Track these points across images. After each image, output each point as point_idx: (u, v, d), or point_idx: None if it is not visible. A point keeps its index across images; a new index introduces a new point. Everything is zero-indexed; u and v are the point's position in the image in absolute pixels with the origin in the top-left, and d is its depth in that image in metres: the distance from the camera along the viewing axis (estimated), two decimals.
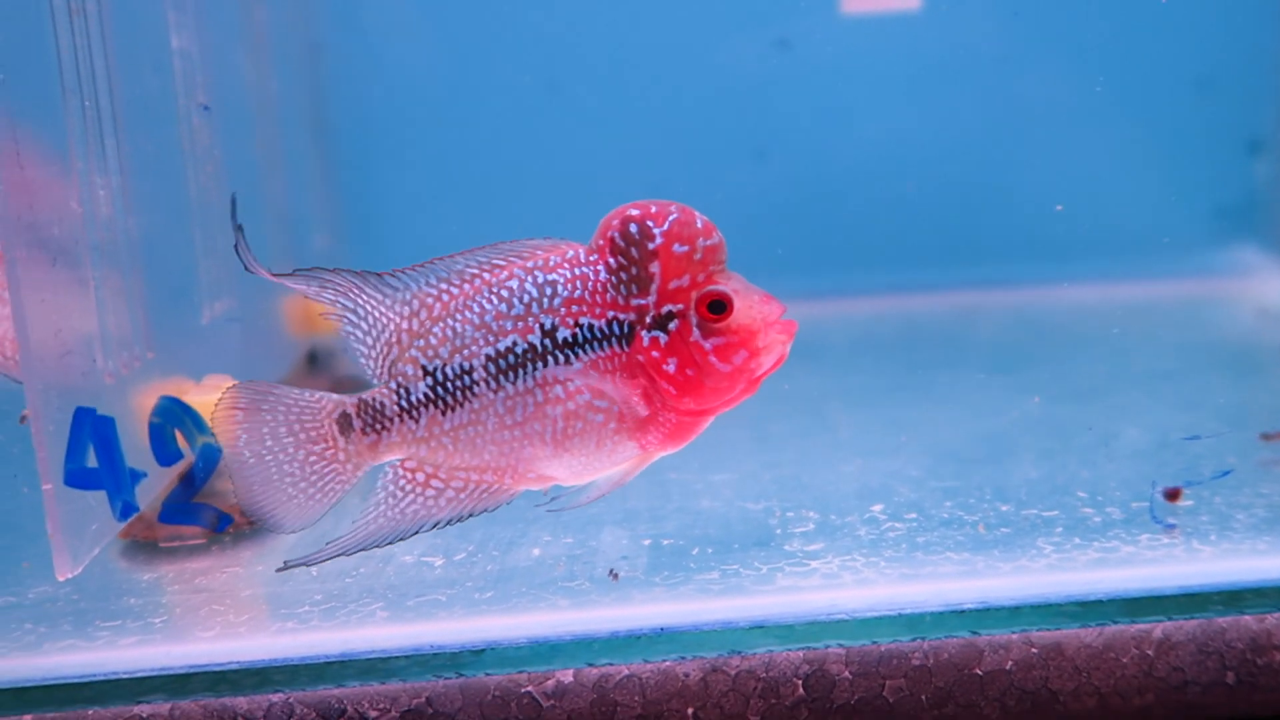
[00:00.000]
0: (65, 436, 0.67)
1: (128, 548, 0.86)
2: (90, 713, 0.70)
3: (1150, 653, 0.72)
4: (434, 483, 0.75)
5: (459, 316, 0.73)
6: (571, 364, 0.73)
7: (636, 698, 0.72)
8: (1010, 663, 0.72)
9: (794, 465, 0.98)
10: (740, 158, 1.58)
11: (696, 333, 0.73)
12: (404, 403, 0.74)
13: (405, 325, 0.74)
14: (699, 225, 0.74)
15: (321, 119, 1.45)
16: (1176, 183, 1.54)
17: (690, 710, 0.72)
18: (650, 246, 0.73)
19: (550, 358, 0.73)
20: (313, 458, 0.74)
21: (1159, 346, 1.27)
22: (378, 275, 0.74)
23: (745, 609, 0.74)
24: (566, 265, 0.74)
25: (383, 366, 0.74)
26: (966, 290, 1.55)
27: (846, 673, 0.72)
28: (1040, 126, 1.55)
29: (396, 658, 0.72)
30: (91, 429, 0.67)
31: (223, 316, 0.99)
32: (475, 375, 0.73)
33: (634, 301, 0.73)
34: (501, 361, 0.73)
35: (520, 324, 0.73)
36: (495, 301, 0.73)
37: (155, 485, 0.79)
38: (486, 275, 0.75)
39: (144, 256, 0.83)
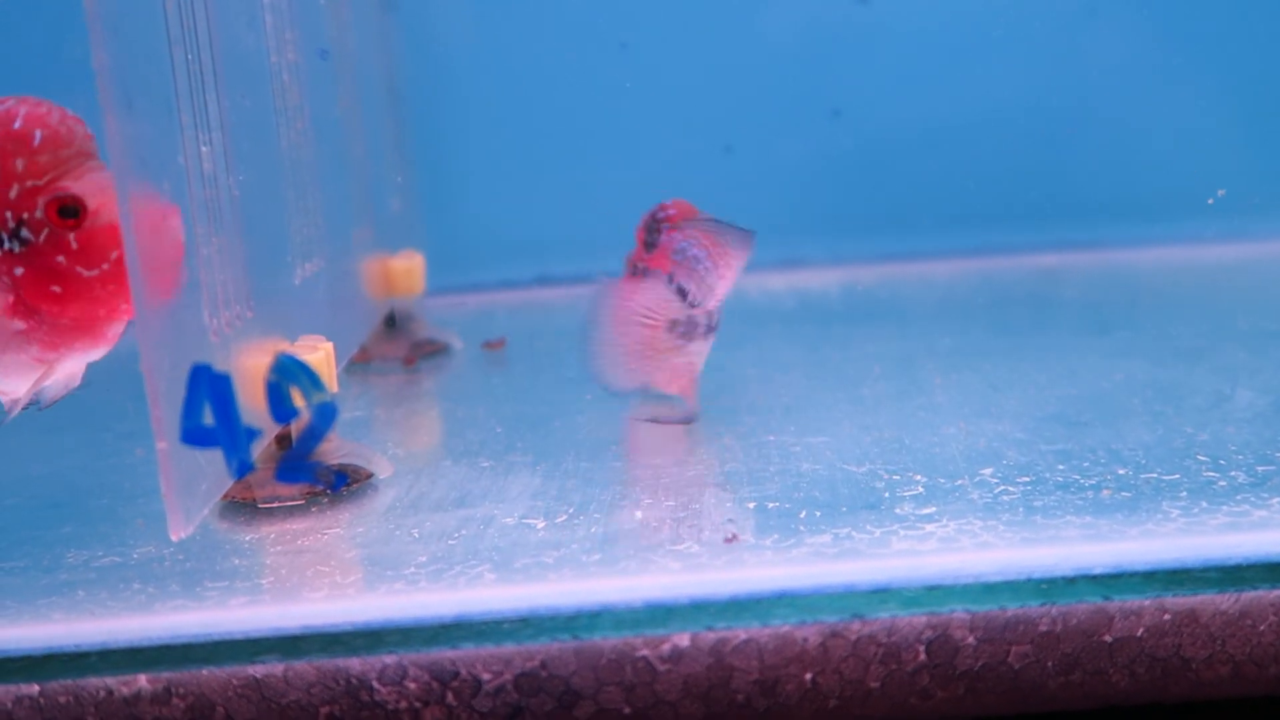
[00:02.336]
0: (179, 394, 0.66)
1: (225, 509, 0.86)
2: (205, 673, 0.69)
3: None
4: None
5: None
6: None
7: (754, 662, 0.70)
8: (1142, 629, 0.70)
9: (893, 428, 0.96)
10: (816, 116, 1.54)
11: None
12: None
13: None
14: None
15: (394, 80, 1.43)
16: (1267, 140, 1.49)
17: (809, 676, 0.70)
18: None
19: None
20: None
21: (1261, 306, 1.23)
22: None
23: (865, 572, 0.72)
24: None
25: None
26: (1049, 252, 1.51)
27: (971, 638, 0.70)
28: (1127, 81, 1.50)
29: (509, 620, 0.71)
30: (208, 386, 0.66)
31: (313, 276, 0.98)
32: None
33: None
34: None
35: None
36: None
37: (264, 443, 0.78)
38: None
39: (243, 215, 0.82)
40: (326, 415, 0.68)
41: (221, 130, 0.79)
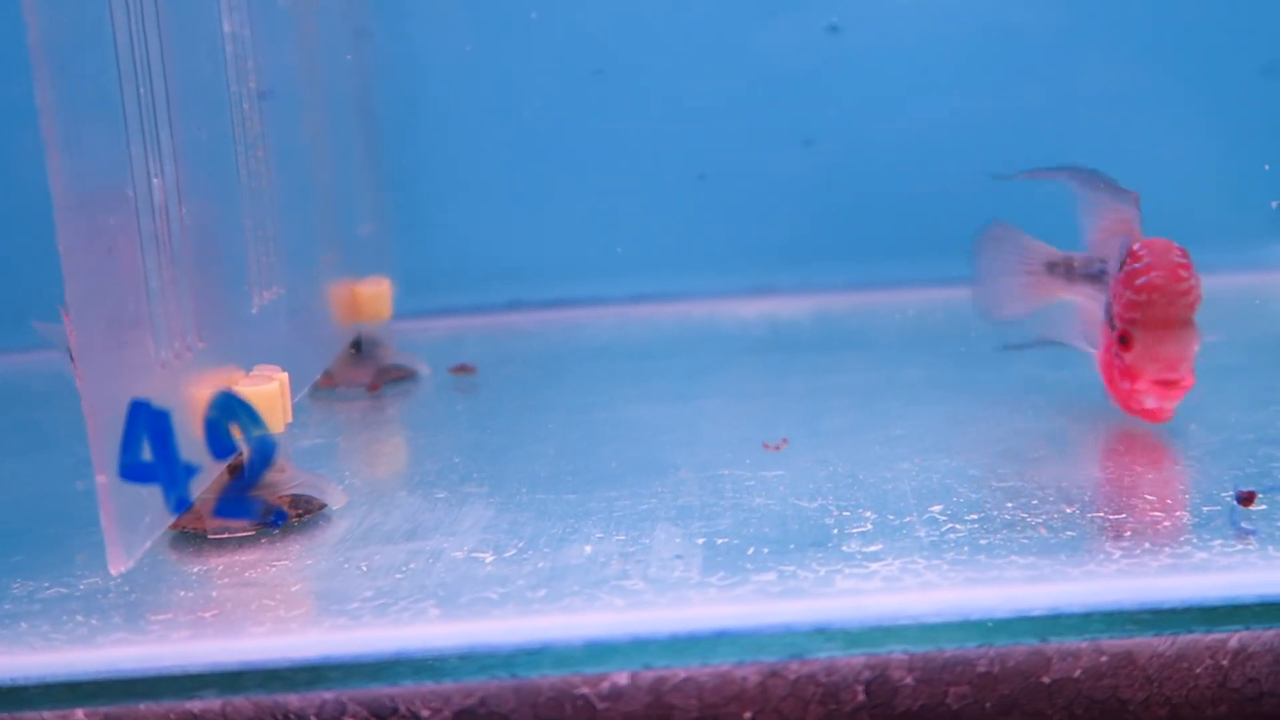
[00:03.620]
0: (120, 429, 0.67)
1: (176, 539, 0.86)
2: (143, 707, 0.69)
3: (1225, 663, 0.70)
4: None
5: None
6: None
7: (693, 701, 0.70)
8: (1079, 671, 0.70)
9: (848, 462, 0.96)
10: (788, 145, 1.55)
11: None
12: None
13: None
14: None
15: (365, 106, 1.44)
16: (1240, 172, 1.50)
17: (748, 714, 0.70)
18: None
19: None
20: None
21: (1223, 341, 1.23)
22: None
23: (805, 612, 0.72)
24: None
25: None
26: None
27: (909, 679, 0.70)
28: (1098, 114, 1.51)
29: (450, 657, 0.71)
30: (147, 422, 0.66)
31: (272, 305, 0.98)
32: None
33: None
34: None
35: None
36: None
37: (207, 478, 0.79)
38: None
39: (196, 245, 0.82)
40: (265, 451, 0.69)
41: (175, 161, 0.79)
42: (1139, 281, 0.90)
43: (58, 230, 0.64)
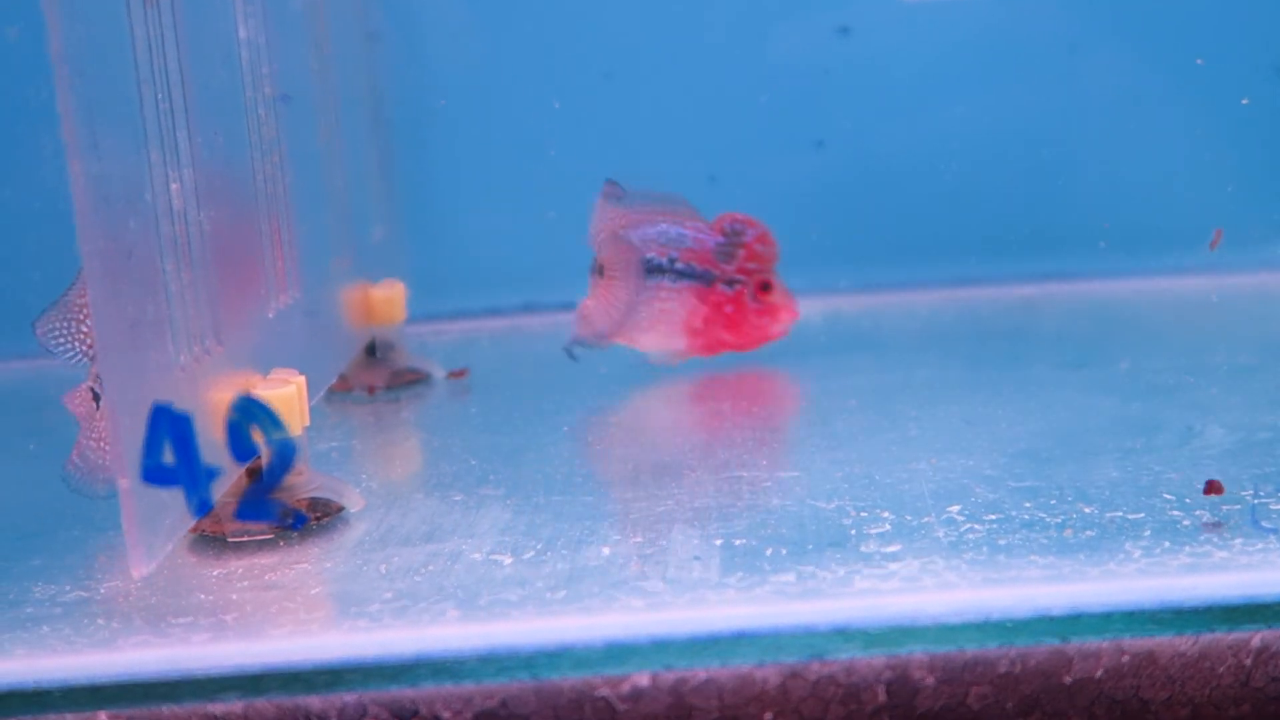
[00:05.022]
0: (142, 432, 0.67)
1: (196, 542, 0.86)
2: (165, 710, 0.69)
3: (1247, 662, 0.70)
4: None
5: None
6: None
7: (714, 702, 0.70)
8: (1100, 671, 0.70)
9: (864, 463, 0.96)
10: (799, 147, 1.55)
11: None
12: None
13: None
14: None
15: (378, 110, 1.44)
16: (1253, 172, 1.50)
17: (768, 715, 0.70)
18: None
19: None
20: None
21: (1237, 341, 1.23)
22: None
23: (825, 612, 0.72)
24: None
25: None
26: (1030, 283, 1.52)
27: (930, 679, 0.70)
28: (1109, 114, 1.51)
29: (469, 659, 0.71)
30: (169, 426, 0.66)
31: (288, 309, 0.98)
32: None
33: None
34: None
35: None
36: None
37: (227, 481, 0.79)
38: None
39: (213, 249, 0.83)
40: (286, 454, 0.69)
41: (192, 166, 0.80)
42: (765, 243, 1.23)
43: (79, 234, 0.64)
